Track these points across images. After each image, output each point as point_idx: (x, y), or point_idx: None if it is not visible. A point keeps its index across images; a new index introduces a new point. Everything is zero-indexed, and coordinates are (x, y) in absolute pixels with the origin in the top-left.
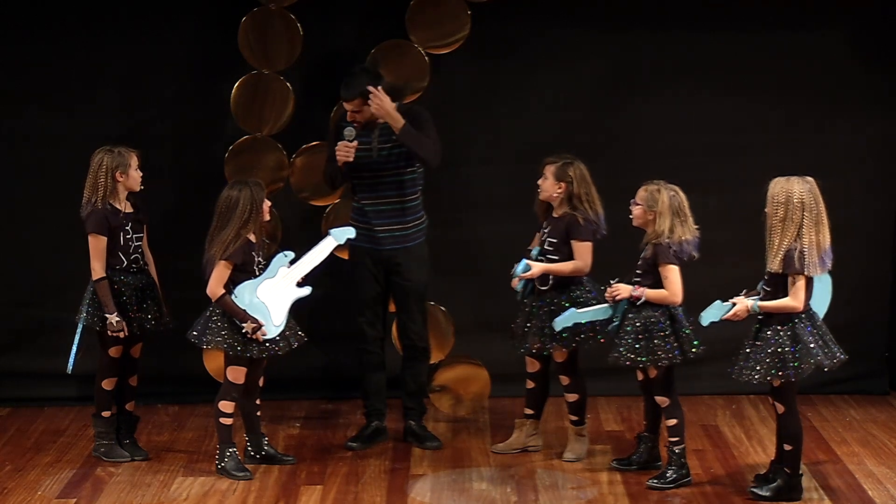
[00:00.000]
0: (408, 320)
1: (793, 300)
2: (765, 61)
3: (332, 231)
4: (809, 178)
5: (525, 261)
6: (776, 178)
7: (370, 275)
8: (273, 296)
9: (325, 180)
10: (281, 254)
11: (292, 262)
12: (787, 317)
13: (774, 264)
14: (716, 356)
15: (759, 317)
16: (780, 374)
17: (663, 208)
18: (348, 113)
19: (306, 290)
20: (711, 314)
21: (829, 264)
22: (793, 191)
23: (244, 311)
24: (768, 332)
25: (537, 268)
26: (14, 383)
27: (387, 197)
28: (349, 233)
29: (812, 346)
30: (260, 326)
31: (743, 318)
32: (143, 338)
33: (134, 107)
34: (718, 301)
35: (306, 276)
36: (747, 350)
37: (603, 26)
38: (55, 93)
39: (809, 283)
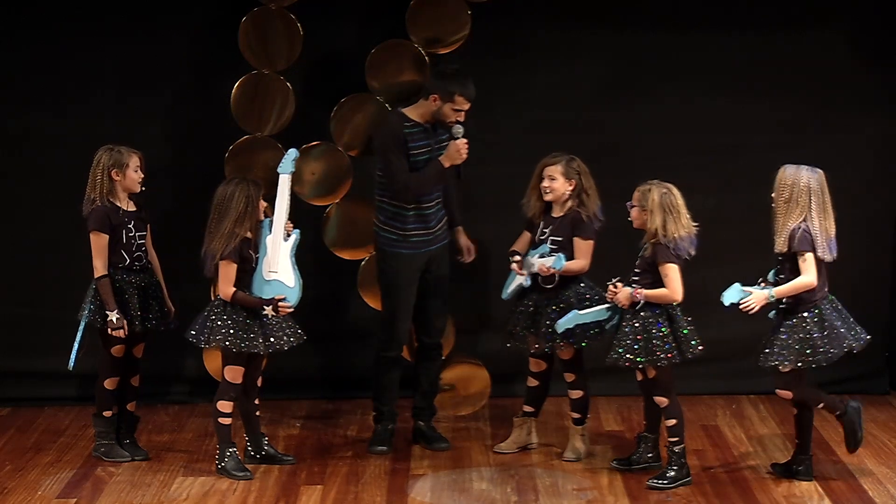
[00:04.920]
0: (435, 316)
1: (806, 277)
2: (765, 61)
3: (278, 169)
4: (819, 169)
5: (562, 256)
6: (786, 164)
7: (413, 281)
8: (275, 265)
9: (408, 196)
10: (261, 229)
11: (270, 226)
12: (811, 303)
13: (779, 244)
14: (716, 356)
15: (782, 305)
16: (811, 360)
17: (653, 206)
18: (456, 112)
19: (295, 236)
20: (731, 295)
21: (834, 253)
22: (801, 176)
23: (258, 298)
24: (794, 319)
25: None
26: (14, 383)
27: (439, 196)
28: (292, 155)
29: (842, 329)
30: (276, 304)
31: (755, 310)
32: (145, 337)
33: (134, 107)
34: (738, 284)
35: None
36: (771, 337)
37: (603, 26)
38: (55, 93)
39: (819, 263)
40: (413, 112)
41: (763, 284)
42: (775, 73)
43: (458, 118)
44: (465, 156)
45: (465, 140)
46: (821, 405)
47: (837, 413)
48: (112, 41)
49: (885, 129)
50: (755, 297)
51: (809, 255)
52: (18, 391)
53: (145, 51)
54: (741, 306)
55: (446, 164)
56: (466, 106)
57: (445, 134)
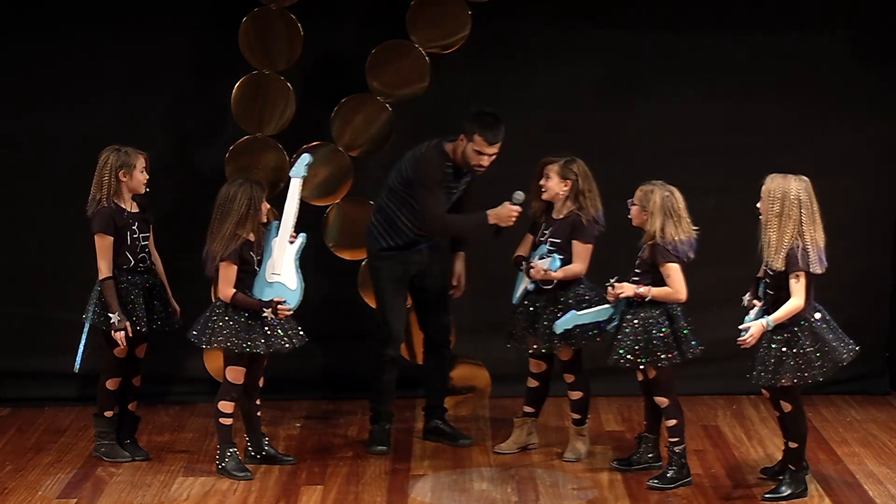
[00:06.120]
0: (440, 314)
1: (797, 300)
2: (765, 62)
3: (291, 173)
4: (805, 177)
5: (557, 257)
6: (772, 174)
7: (404, 279)
8: (279, 267)
9: (436, 231)
10: (268, 231)
11: (277, 228)
12: (801, 317)
13: (777, 262)
14: (716, 356)
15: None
16: (806, 374)
17: (654, 208)
18: (478, 155)
19: (301, 239)
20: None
21: (825, 263)
22: (790, 187)
23: (258, 300)
24: (786, 335)
25: (556, 275)
26: (14, 383)
27: None
28: (306, 159)
29: (834, 342)
30: (276, 306)
31: (752, 343)
32: (148, 338)
33: (134, 107)
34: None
35: (296, 227)
36: (761, 352)
37: (603, 26)
38: (55, 93)
39: (810, 280)
40: (451, 150)
41: (756, 305)
42: (776, 74)
43: (481, 161)
44: (511, 223)
45: (519, 208)
46: (795, 446)
47: (794, 466)
48: (112, 41)
49: (886, 129)
50: (753, 330)
51: (804, 278)
52: (18, 391)
53: (145, 51)
54: (740, 343)
55: (490, 222)
56: (487, 149)
57: (466, 177)
